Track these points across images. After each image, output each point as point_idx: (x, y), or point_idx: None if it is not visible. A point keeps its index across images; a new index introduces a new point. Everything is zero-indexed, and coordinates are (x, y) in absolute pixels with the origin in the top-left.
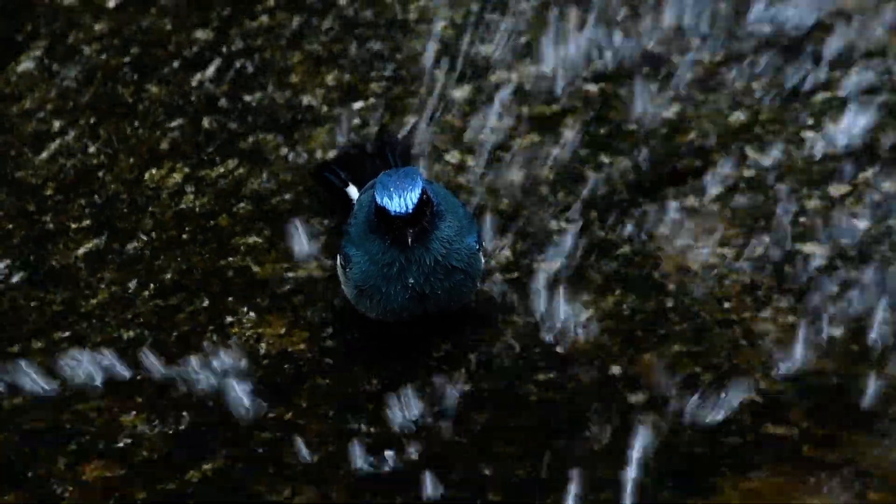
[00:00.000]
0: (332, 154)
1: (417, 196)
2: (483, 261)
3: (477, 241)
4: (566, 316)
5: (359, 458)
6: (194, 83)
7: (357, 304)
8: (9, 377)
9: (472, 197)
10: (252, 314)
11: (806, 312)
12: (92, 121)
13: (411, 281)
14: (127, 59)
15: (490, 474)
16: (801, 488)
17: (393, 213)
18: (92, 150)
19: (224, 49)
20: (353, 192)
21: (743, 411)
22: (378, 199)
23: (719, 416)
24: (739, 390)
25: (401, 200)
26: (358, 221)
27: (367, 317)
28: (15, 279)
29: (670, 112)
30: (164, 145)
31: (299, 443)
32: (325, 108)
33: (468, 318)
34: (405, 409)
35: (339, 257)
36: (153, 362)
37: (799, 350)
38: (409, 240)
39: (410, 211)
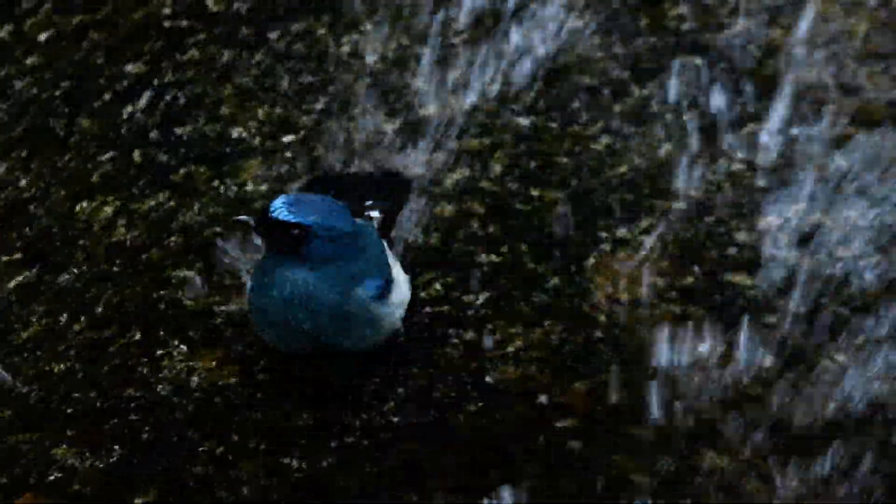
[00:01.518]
0: (263, 187)
1: (294, 220)
2: (389, 310)
3: (378, 288)
4: (496, 347)
5: (291, 493)
6: (125, 116)
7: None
8: None
9: (401, 231)
10: (183, 347)
11: (736, 342)
12: (24, 154)
13: (266, 301)
14: (59, 93)
15: None
16: None
17: (269, 209)
18: (23, 182)
19: (155, 82)
20: None
21: (677, 439)
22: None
23: (654, 442)
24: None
25: (283, 209)
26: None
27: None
28: None
29: (601, 144)
30: (96, 178)
31: (231, 478)
32: (256, 141)
33: (397, 352)
34: (335, 442)
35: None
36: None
37: (732, 378)
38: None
39: (274, 218)
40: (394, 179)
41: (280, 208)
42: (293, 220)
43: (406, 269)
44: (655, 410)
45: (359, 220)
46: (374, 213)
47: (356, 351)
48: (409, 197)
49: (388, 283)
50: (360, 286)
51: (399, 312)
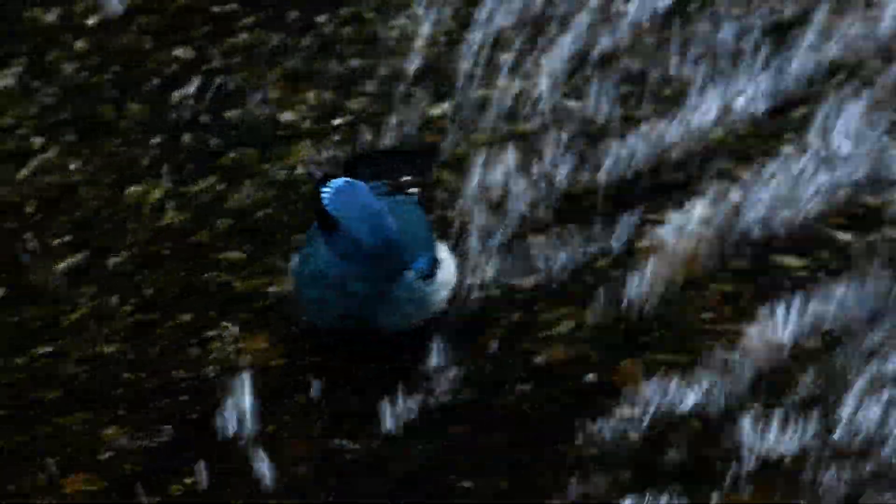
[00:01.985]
0: (313, 170)
1: (329, 208)
2: (434, 289)
3: (423, 268)
4: (546, 328)
5: (340, 474)
6: (174, 100)
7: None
8: None
9: (452, 213)
10: (233, 329)
11: (787, 322)
12: (73, 138)
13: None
14: (108, 77)
15: (471, 488)
16: None
17: (322, 190)
18: (73, 167)
19: (204, 66)
20: None
21: (727, 423)
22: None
23: (706, 426)
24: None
25: (330, 193)
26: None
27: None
28: None
29: (650, 127)
30: (145, 162)
31: (281, 459)
32: (305, 124)
33: (448, 333)
34: (386, 424)
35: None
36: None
37: (780, 360)
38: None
39: (325, 199)
40: (426, 153)
41: (328, 191)
42: (328, 208)
43: (454, 250)
44: (706, 391)
45: (400, 197)
46: (414, 189)
47: (398, 331)
48: (437, 169)
49: (435, 262)
50: (407, 266)
51: (444, 294)
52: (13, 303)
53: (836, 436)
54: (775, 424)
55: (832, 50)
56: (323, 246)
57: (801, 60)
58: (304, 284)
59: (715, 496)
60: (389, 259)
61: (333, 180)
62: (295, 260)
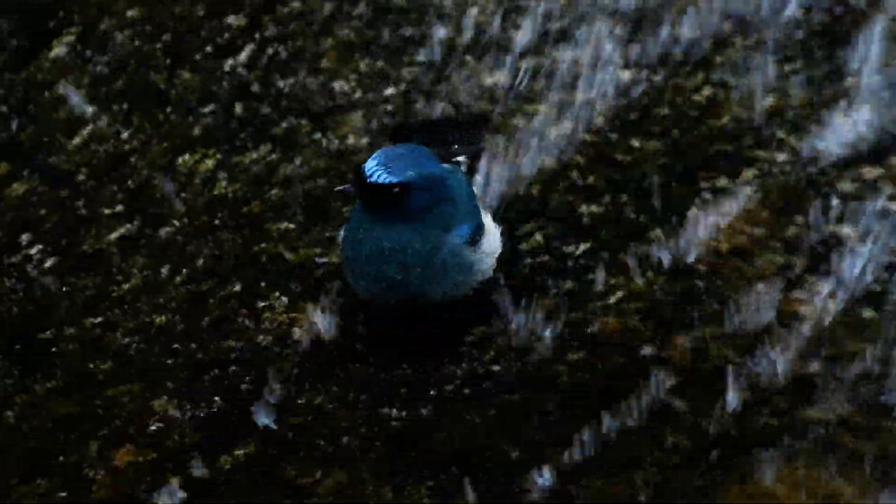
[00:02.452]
0: (364, 140)
1: (395, 181)
2: (479, 257)
3: (468, 234)
4: (597, 297)
5: (391, 442)
6: (227, 69)
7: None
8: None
9: (501, 183)
10: (284, 299)
11: (840, 294)
12: (124, 107)
13: (359, 255)
14: (159, 46)
15: (519, 458)
16: (838, 480)
17: (365, 174)
18: (124, 135)
19: (256, 35)
20: None
21: (778, 395)
22: (370, 157)
23: (752, 397)
24: (773, 372)
25: (380, 171)
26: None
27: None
28: (47, 265)
29: (702, 95)
30: (197, 131)
31: (330, 428)
32: (357, 94)
33: (498, 300)
34: (436, 393)
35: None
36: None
37: (833, 332)
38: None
39: (373, 183)
40: (477, 122)
41: (376, 171)
42: (394, 181)
43: (500, 219)
44: (756, 366)
45: (447, 166)
46: (461, 158)
47: (445, 300)
48: (488, 138)
49: (479, 229)
50: (452, 233)
51: (489, 261)
52: (65, 272)
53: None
54: (828, 394)
55: None
56: (368, 220)
57: None
58: (354, 259)
59: (770, 470)
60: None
61: (367, 165)
62: (342, 235)
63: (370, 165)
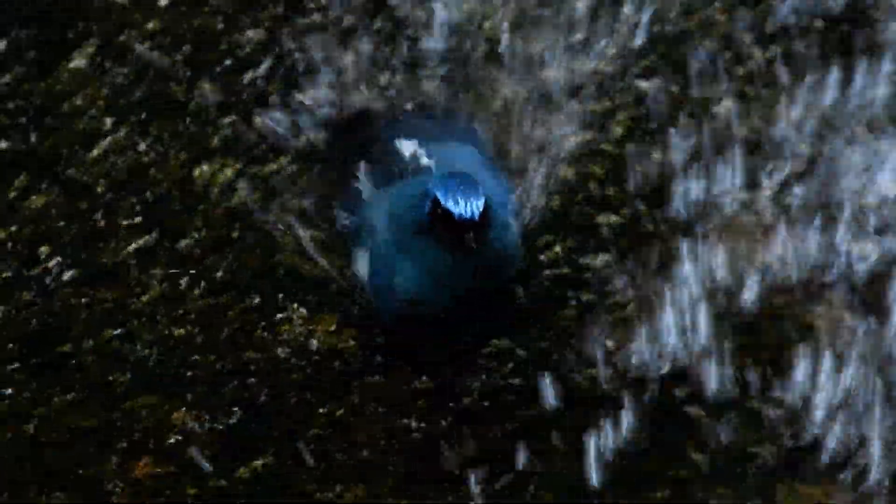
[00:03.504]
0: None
1: (482, 203)
2: (515, 227)
3: (510, 211)
4: (616, 309)
5: (409, 455)
6: (246, 81)
7: (396, 316)
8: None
9: (522, 194)
10: (303, 311)
11: (859, 308)
12: (143, 118)
13: (463, 289)
14: (179, 58)
15: (538, 470)
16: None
17: (458, 218)
18: (143, 147)
19: (275, 48)
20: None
21: (797, 409)
22: (443, 202)
23: (775, 414)
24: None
25: (467, 206)
26: (398, 224)
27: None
28: (66, 277)
29: (722, 107)
30: (216, 142)
31: (349, 440)
32: (376, 106)
33: (518, 313)
34: (454, 405)
35: (360, 263)
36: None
37: (854, 347)
38: (471, 245)
39: (476, 218)
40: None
41: (465, 204)
42: (483, 207)
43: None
44: (777, 383)
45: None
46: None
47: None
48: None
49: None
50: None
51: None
52: (84, 284)
53: None
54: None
55: None
56: (426, 247)
57: None
58: (429, 289)
59: (783, 488)
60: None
61: (455, 206)
62: (366, 266)
63: (459, 209)
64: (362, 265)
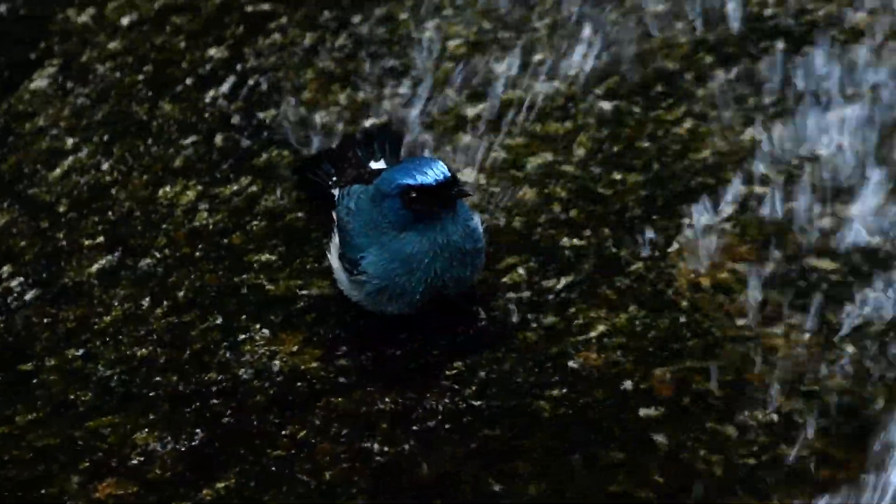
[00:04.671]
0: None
1: (442, 164)
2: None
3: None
4: (579, 332)
5: (373, 476)
6: (208, 100)
7: (372, 304)
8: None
9: (485, 214)
10: (265, 331)
11: (819, 329)
12: (105, 138)
13: (436, 268)
14: (141, 77)
15: (501, 492)
16: None
17: (435, 184)
18: (105, 167)
19: (238, 67)
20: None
21: (757, 430)
22: (410, 181)
23: (734, 433)
24: (754, 408)
25: (433, 171)
26: (359, 221)
27: (376, 315)
28: (28, 296)
29: (683, 129)
30: (178, 162)
31: (312, 462)
32: (339, 126)
33: (480, 335)
34: (417, 426)
35: (336, 264)
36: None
37: (812, 367)
38: (465, 192)
39: (449, 175)
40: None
41: (432, 171)
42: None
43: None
44: (739, 402)
45: None
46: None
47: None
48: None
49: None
50: (474, 219)
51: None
52: (46, 303)
53: None
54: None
55: None
56: (443, 229)
57: None
58: (387, 276)
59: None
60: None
61: (441, 168)
62: (371, 257)
63: (443, 169)
64: (333, 254)
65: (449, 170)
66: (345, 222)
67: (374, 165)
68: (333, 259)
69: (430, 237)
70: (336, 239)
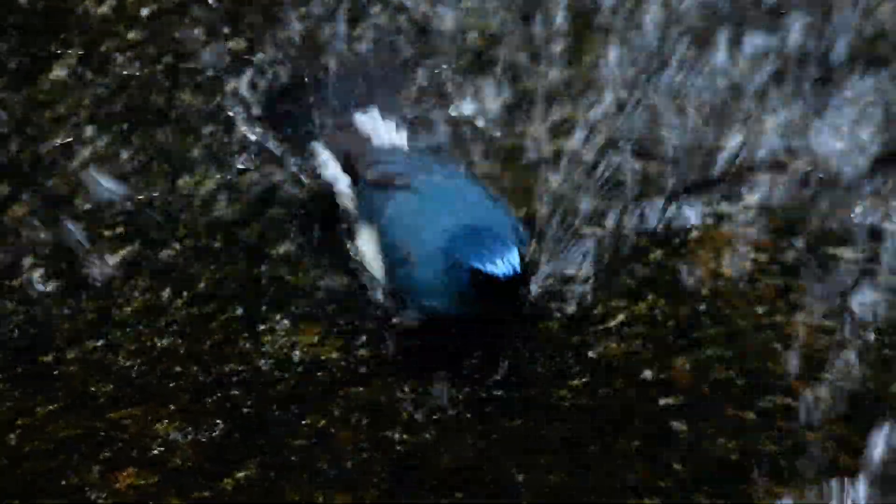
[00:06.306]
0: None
1: (517, 253)
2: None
3: (516, 233)
4: (599, 321)
5: (393, 465)
6: (227, 91)
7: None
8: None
9: (509, 203)
10: (285, 322)
11: (840, 317)
12: (125, 128)
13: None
14: (160, 68)
15: (521, 482)
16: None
17: (503, 279)
18: (124, 157)
19: (256, 58)
20: (325, 155)
21: (778, 417)
22: (483, 269)
23: (753, 419)
24: (774, 394)
25: (505, 263)
26: (421, 272)
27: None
28: (48, 288)
29: (703, 116)
30: (197, 153)
31: (332, 451)
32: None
33: (501, 324)
34: (437, 416)
35: (378, 273)
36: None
37: (834, 355)
38: (525, 297)
39: (519, 271)
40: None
41: (501, 261)
42: (520, 258)
43: None
44: (759, 388)
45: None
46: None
47: None
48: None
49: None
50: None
51: None
52: (66, 295)
53: None
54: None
55: None
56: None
57: None
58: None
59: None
60: None
61: (495, 238)
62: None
63: (500, 269)
64: (366, 243)
65: (520, 262)
66: (397, 257)
67: (360, 119)
68: (369, 253)
69: (489, 309)
70: (368, 248)
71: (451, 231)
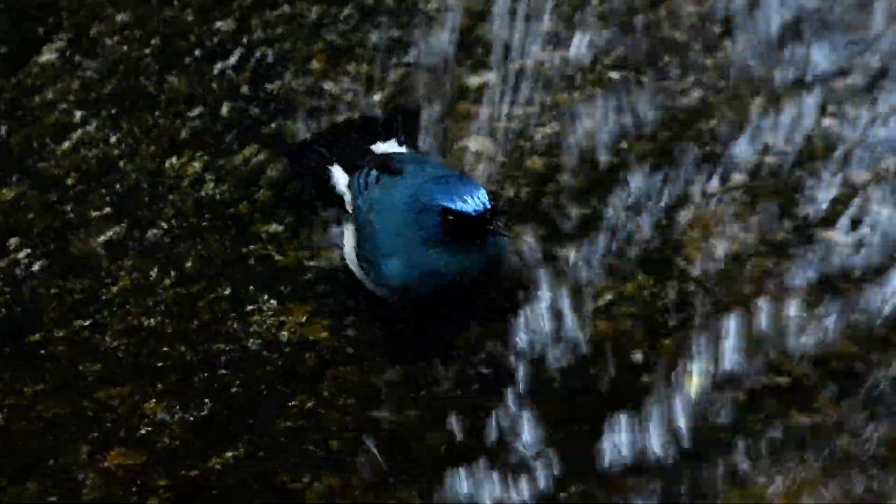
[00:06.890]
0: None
1: (485, 191)
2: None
3: None
4: (587, 301)
5: (381, 445)
6: (215, 72)
7: (381, 293)
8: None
9: (493, 184)
10: (273, 302)
11: (828, 297)
12: (113, 111)
13: (456, 282)
14: (149, 51)
15: (511, 461)
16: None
17: (475, 214)
18: (113, 140)
19: (245, 39)
20: (337, 171)
21: (769, 396)
22: (453, 207)
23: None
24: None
25: (475, 199)
26: (386, 222)
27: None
28: (36, 268)
29: (691, 98)
30: (185, 133)
31: (320, 431)
32: (346, 96)
33: (490, 304)
34: (426, 395)
35: (351, 254)
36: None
37: (822, 334)
38: (500, 231)
39: (489, 206)
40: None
41: (472, 199)
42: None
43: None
44: (748, 370)
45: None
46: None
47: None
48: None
49: None
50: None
51: None
52: (54, 275)
53: None
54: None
55: None
56: (426, 252)
57: None
58: (406, 285)
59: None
60: None
61: (483, 198)
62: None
63: (484, 199)
64: (347, 240)
65: (490, 199)
66: (366, 218)
67: (381, 147)
68: (349, 248)
69: (459, 259)
70: (351, 226)
71: (416, 186)
